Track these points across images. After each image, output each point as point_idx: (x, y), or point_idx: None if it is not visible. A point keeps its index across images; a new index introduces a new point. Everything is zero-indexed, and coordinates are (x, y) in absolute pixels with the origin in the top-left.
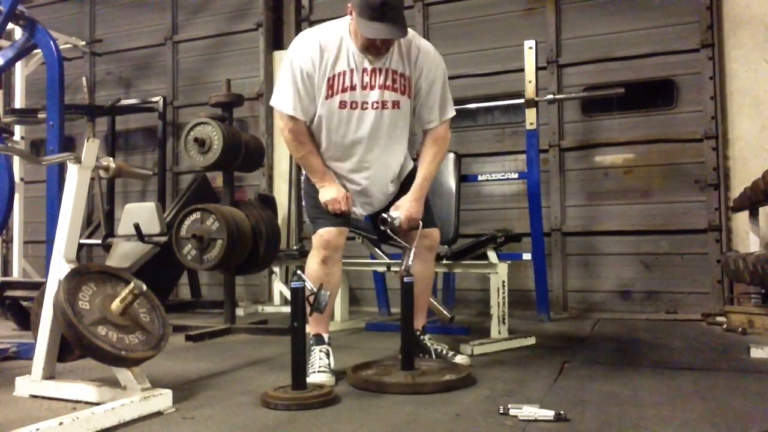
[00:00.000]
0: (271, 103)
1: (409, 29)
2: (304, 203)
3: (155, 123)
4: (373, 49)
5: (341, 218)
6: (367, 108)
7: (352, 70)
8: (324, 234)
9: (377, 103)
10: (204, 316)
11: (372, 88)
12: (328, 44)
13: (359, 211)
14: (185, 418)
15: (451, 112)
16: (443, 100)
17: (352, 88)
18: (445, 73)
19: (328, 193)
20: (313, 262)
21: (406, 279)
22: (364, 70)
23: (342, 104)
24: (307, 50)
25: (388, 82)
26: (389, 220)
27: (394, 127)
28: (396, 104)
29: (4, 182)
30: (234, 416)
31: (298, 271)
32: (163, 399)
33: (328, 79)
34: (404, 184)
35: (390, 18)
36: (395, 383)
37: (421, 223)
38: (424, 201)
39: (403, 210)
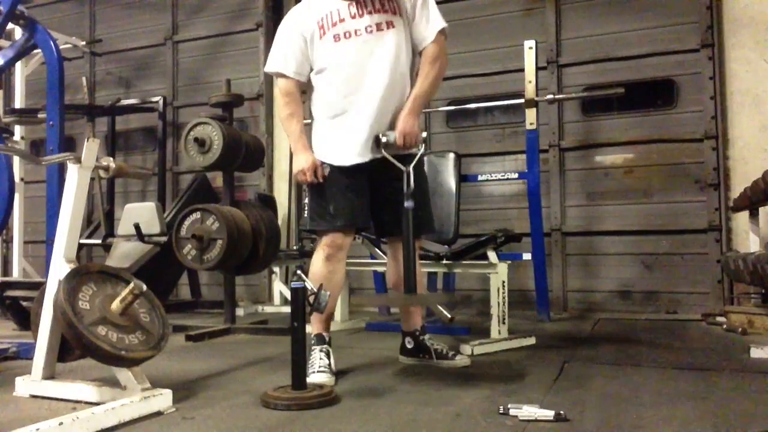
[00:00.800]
0: (265, 69)
1: None
2: (307, 200)
3: (155, 123)
4: None
5: (344, 220)
6: (361, 34)
7: (338, 8)
8: (331, 235)
9: (370, 26)
10: (204, 316)
11: (361, 16)
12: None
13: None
14: (185, 418)
15: (438, 25)
16: (431, 15)
17: (341, 20)
18: None
19: (298, 162)
20: (317, 258)
21: (407, 204)
22: (350, 3)
23: (336, 38)
24: (297, 13)
25: (377, 6)
26: (382, 138)
27: (393, 50)
28: (390, 24)
29: (4, 182)
30: (234, 416)
31: (298, 271)
32: (163, 399)
33: (317, 22)
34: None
35: None
36: (401, 299)
37: (422, 138)
38: (418, 117)
39: (397, 126)
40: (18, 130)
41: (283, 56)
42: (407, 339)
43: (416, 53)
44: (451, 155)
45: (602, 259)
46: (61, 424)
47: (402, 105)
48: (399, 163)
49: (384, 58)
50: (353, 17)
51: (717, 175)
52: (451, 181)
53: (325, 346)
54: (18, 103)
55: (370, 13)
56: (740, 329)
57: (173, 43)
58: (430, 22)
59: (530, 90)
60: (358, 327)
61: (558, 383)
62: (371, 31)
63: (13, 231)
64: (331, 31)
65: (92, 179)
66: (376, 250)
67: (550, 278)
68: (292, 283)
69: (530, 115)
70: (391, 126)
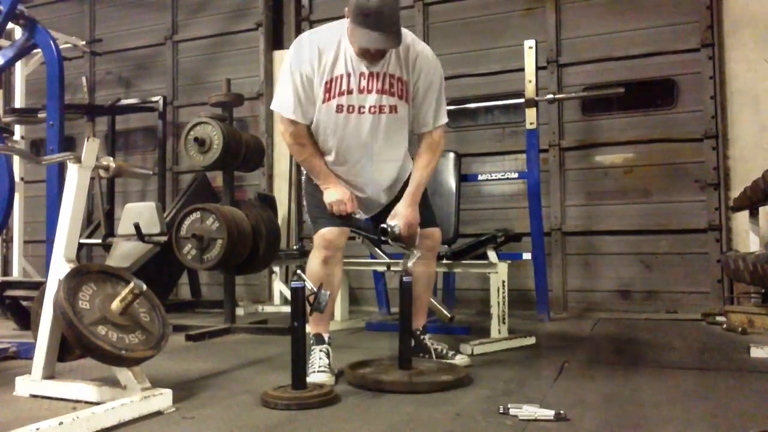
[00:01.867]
0: (272, 107)
1: (409, 32)
2: (305, 203)
3: (155, 123)
4: (368, 56)
5: (343, 218)
6: (364, 112)
7: (349, 75)
8: (326, 234)
9: (374, 107)
10: (204, 316)
11: (369, 92)
12: (326, 47)
13: (360, 214)
14: (185, 417)
15: (444, 119)
16: (438, 106)
17: (349, 92)
18: (442, 79)
19: (333, 194)
20: (314, 262)
21: (405, 279)
22: (362, 74)
23: (339, 108)
24: (307, 54)
25: (386, 87)
26: (389, 229)
27: (391, 132)
28: (393, 108)
29: (4, 182)
30: (234, 416)
31: (298, 271)
32: (163, 399)
33: (326, 83)
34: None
35: (384, 26)
36: (392, 382)
37: (419, 228)
38: (418, 206)
39: (400, 218)
40: (18, 130)
41: (295, 102)
42: None
43: (413, 132)
44: (451, 155)
45: (602, 259)
46: (61, 423)
47: (393, 184)
48: (406, 247)
49: (381, 144)
50: (361, 91)
51: (717, 175)
52: (451, 181)
53: (325, 345)
54: (18, 102)
55: (377, 92)
56: (740, 329)
57: (173, 42)
58: (440, 115)
59: (530, 90)
60: (358, 327)
61: (558, 383)
62: (374, 112)
63: (13, 231)
64: (336, 100)
65: (92, 179)
66: (376, 250)
67: (550, 278)
68: (292, 282)
69: (530, 114)
70: (389, 208)
